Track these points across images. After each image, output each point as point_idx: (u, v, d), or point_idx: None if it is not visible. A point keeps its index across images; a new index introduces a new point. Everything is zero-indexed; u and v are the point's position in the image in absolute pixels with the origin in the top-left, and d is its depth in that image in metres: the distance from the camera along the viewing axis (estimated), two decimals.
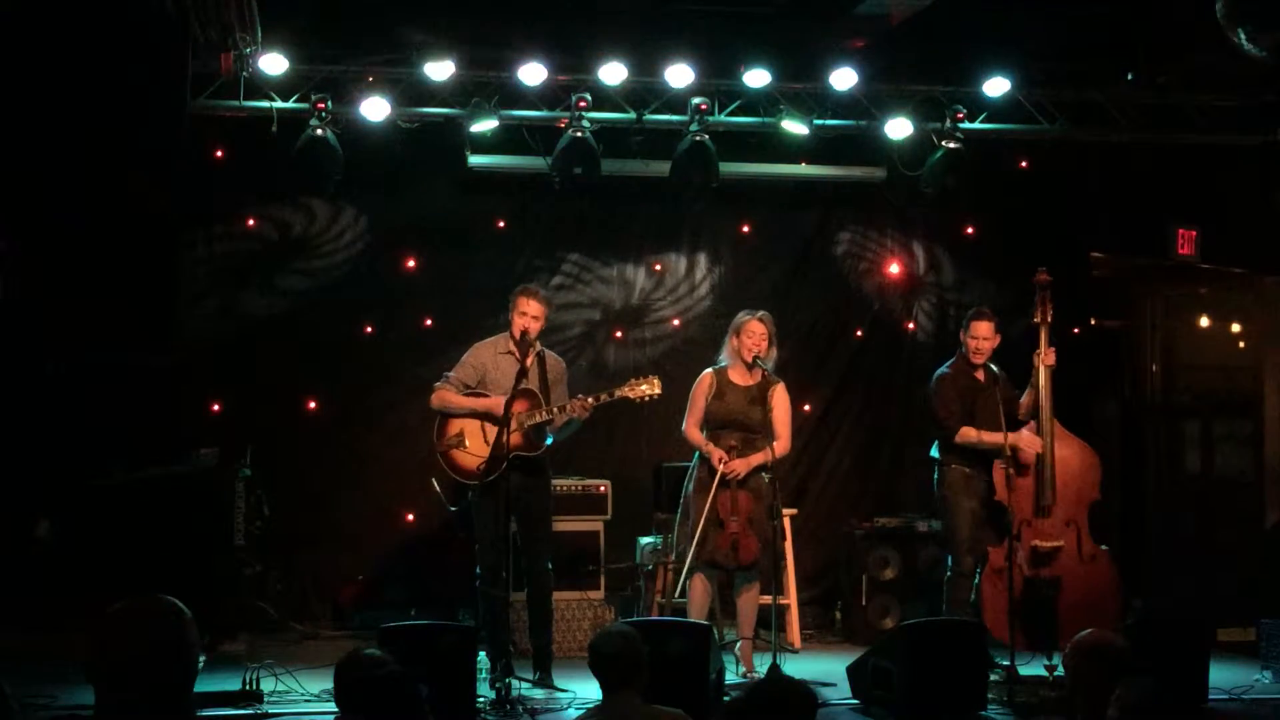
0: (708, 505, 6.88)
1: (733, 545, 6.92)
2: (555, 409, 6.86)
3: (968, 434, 7.27)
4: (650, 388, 6.98)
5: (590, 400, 6.93)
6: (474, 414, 7.00)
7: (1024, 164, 9.41)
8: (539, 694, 6.77)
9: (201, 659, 2.85)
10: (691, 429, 7.16)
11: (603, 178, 8.45)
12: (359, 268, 9.04)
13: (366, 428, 8.92)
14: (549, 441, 7.06)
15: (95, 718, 2.75)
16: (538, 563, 7.12)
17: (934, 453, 7.49)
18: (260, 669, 6.49)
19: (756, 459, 6.96)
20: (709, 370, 7.25)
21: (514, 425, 6.79)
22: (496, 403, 6.90)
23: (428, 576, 8.60)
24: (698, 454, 7.13)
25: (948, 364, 7.54)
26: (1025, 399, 7.46)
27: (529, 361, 6.90)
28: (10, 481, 7.81)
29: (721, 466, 6.90)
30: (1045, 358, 7.38)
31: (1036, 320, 7.43)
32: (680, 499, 7.21)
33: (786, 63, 8.31)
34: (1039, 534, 7.35)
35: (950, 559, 7.41)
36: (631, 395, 6.98)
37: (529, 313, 6.98)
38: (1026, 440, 7.33)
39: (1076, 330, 9.32)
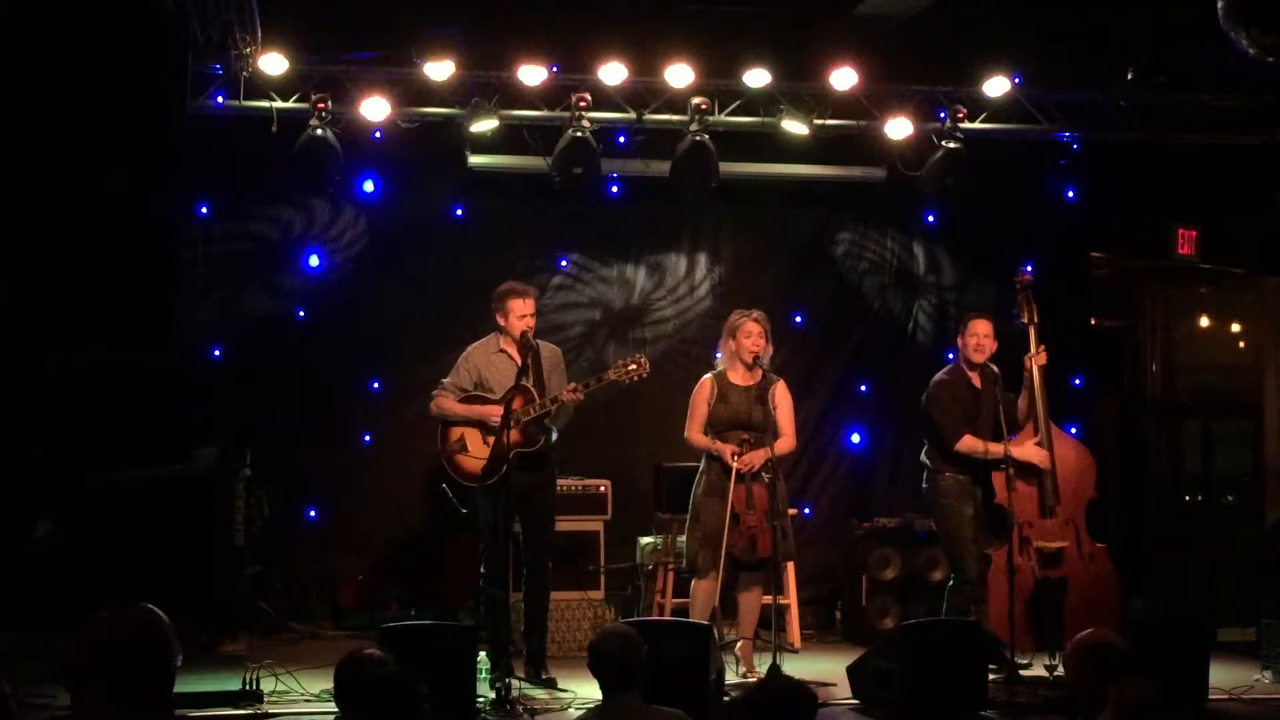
0: (729, 503, 6.86)
1: (750, 540, 6.92)
2: (548, 400, 6.87)
3: (971, 444, 7.23)
4: (639, 368, 6.99)
5: (580, 386, 6.93)
6: (469, 422, 7.02)
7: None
8: (539, 694, 6.77)
9: (179, 659, 2.85)
10: (694, 434, 7.15)
11: (602, 178, 8.46)
12: (359, 268, 9.04)
13: (366, 427, 8.93)
14: (554, 436, 7.07)
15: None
16: (539, 561, 7.12)
17: (924, 458, 7.48)
18: (260, 669, 6.49)
19: (765, 453, 6.97)
20: (708, 375, 7.24)
21: (509, 422, 6.79)
22: (488, 410, 6.92)
23: (428, 576, 8.61)
24: (705, 458, 7.13)
25: (944, 370, 7.52)
26: (1020, 402, 7.42)
27: (527, 358, 6.90)
28: (10, 481, 7.81)
29: (735, 462, 6.90)
30: (1037, 358, 7.37)
31: (1024, 320, 7.40)
32: (689, 504, 7.19)
33: (786, 63, 8.31)
34: (1042, 535, 7.32)
35: (953, 568, 7.40)
36: (619, 377, 7.00)
37: (527, 313, 6.99)
38: (1034, 455, 7.30)
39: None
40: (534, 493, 6.99)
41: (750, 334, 7.10)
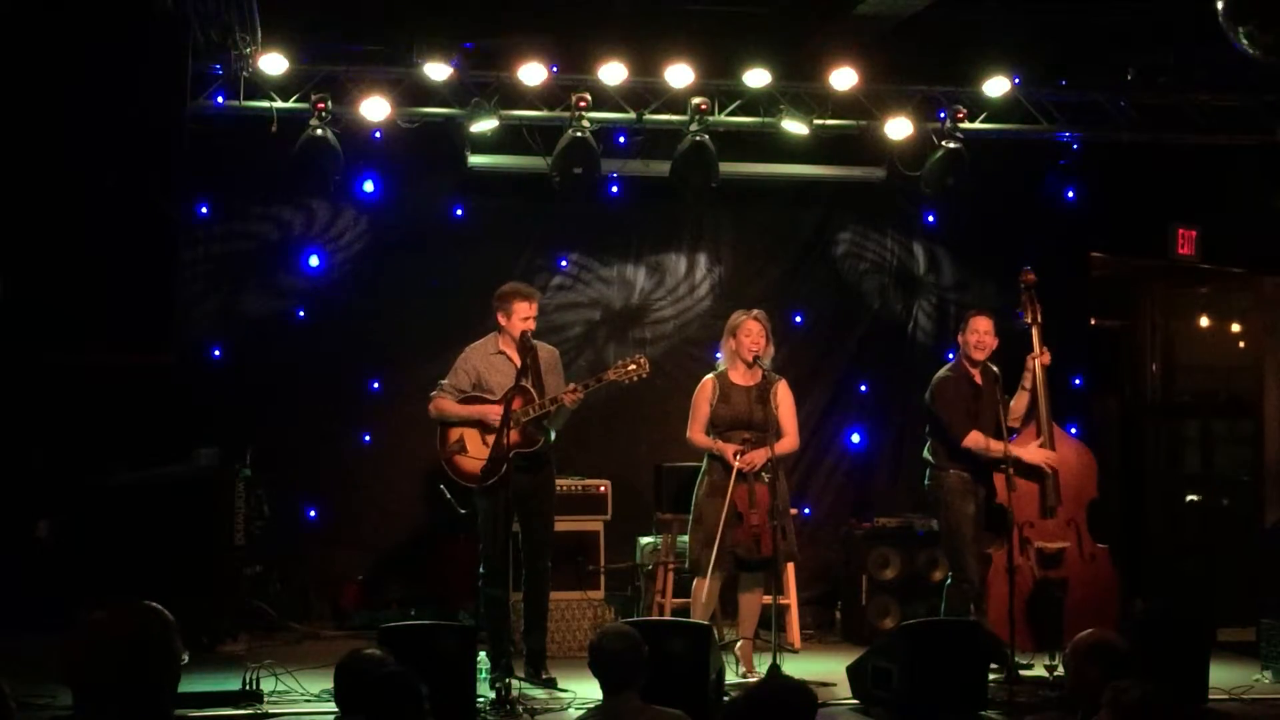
0: (726, 502, 6.86)
1: (754, 539, 6.91)
2: (548, 401, 6.87)
3: (976, 440, 7.23)
4: (638, 368, 6.99)
5: (580, 387, 6.93)
6: (468, 422, 7.02)
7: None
8: (539, 694, 6.77)
9: (185, 656, 2.84)
10: (696, 434, 7.15)
11: (602, 178, 8.46)
12: (359, 268, 9.04)
13: (366, 427, 8.93)
14: (552, 436, 7.07)
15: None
16: (538, 561, 7.12)
17: (927, 454, 7.47)
18: (260, 669, 6.49)
19: (766, 452, 6.97)
20: (710, 375, 7.25)
21: (509, 423, 6.79)
22: (486, 410, 6.93)
23: (428, 576, 8.61)
24: (707, 458, 7.12)
25: (946, 368, 7.51)
26: (1015, 403, 7.41)
27: (526, 359, 6.91)
28: (10, 481, 7.81)
29: (737, 461, 6.90)
30: (1040, 358, 7.36)
31: (1029, 320, 7.39)
32: (691, 504, 7.19)
33: (786, 63, 8.31)
34: (1042, 536, 7.32)
35: (952, 566, 7.39)
36: (618, 377, 7.01)
37: (530, 315, 6.99)
38: (1040, 455, 7.31)
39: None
40: (533, 493, 7.00)
41: (750, 333, 7.10)
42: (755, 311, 7.20)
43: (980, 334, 7.33)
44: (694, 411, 7.18)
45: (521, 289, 7.15)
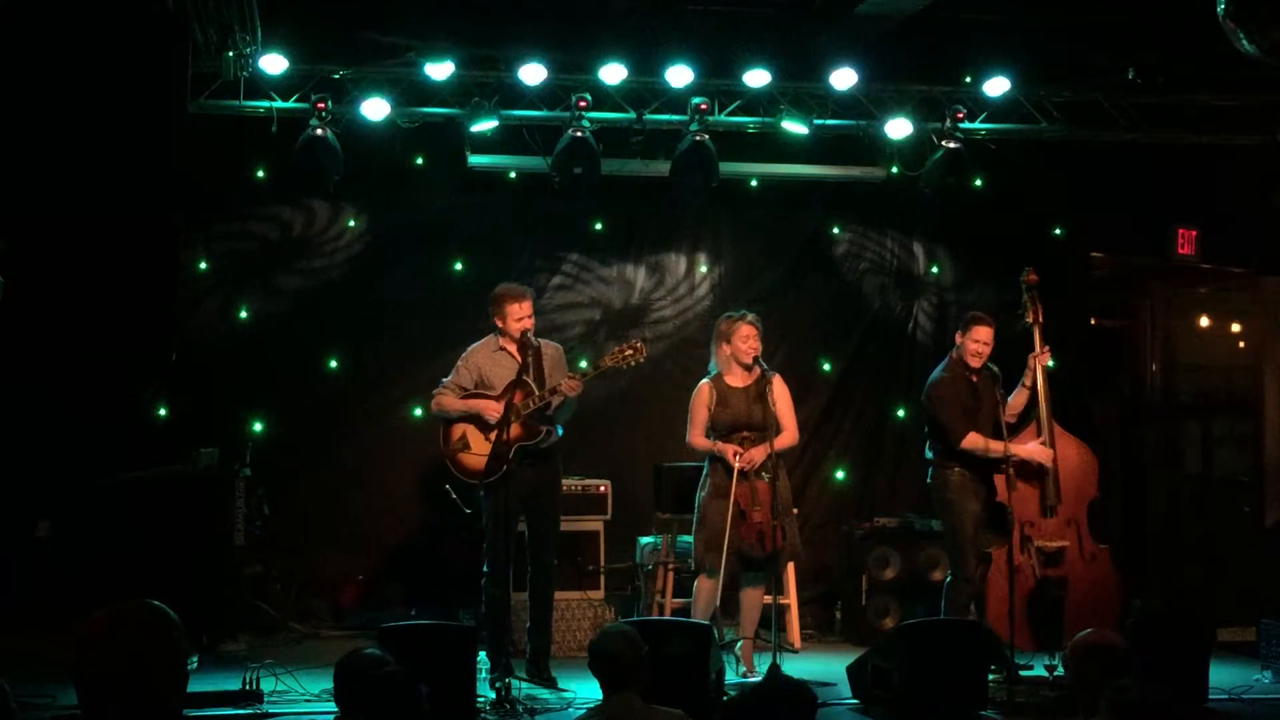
0: (731, 503, 6.86)
1: (758, 536, 6.91)
2: (547, 392, 6.86)
3: (975, 441, 7.22)
4: (635, 353, 6.97)
5: (579, 376, 6.92)
6: (467, 416, 7.01)
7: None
8: (539, 694, 6.77)
9: (194, 661, 2.82)
10: (696, 438, 7.15)
11: (603, 178, 8.46)
12: (359, 267, 9.04)
13: (366, 427, 8.93)
14: (559, 432, 7.06)
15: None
16: (543, 558, 7.12)
17: (929, 454, 7.47)
18: (260, 669, 6.49)
19: (766, 449, 6.96)
20: (704, 381, 7.22)
21: (510, 417, 6.79)
22: (486, 405, 6.92)
23: (428, 576, 8.61)
24: (709, 460, 7.12)
25: (942, 368, 7.51)
26: (1014, 400, 7.41)
27: (528, 356, 6.90)
28: (10, 481, 7.81)
29: (737, 461, 6.90)
30: (1041, 357, 7.37)
31: (1029, 320, 7.40)
32: (695, 506, 7.19)
33: (786, 63, 8.31)
34: (1042, 535, 7.33)
35: (952, 563, 7.38)
36: (616, 363, 7.01)
37: (524, 315, 6.99)
38: (1037, 452, 7.31)
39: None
40: (539, 489, 7.00)
41: (748, 338, 7.09)
42: (747, 315, 7.18)
43: (980, 343, 7.32)
44: (692, 416, 7.17)
45: (512, 290, 7.14)
